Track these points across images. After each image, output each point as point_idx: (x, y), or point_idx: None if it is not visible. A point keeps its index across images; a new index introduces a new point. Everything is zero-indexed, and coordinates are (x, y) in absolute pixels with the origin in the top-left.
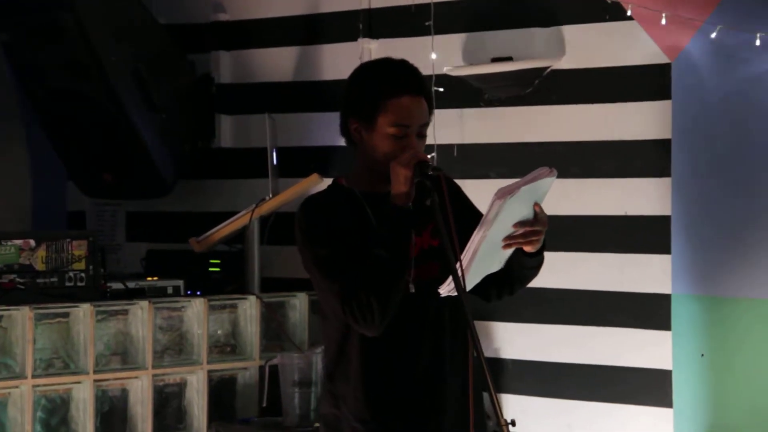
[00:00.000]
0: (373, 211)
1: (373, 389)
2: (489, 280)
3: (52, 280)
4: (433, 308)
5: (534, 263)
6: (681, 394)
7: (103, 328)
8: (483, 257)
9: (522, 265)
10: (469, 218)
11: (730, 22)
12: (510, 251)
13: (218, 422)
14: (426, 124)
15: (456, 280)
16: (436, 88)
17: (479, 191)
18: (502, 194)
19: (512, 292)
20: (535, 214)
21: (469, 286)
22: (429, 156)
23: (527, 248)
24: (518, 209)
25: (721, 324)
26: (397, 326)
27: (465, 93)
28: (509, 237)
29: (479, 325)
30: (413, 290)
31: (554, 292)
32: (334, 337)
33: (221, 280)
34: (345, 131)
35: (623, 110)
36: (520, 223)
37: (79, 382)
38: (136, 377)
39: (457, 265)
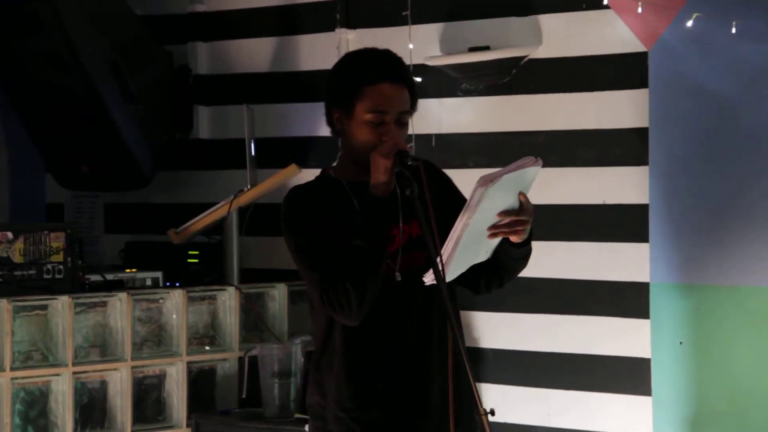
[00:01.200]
0: (360, 200)
1: (356, 379)
2: (477, 271)
3: (30, 272)
4: (419, 297)
5: (520, 254)
6: (659, 382)
7: (81, 320)
8: (467, 246)
9: (509, 256)
10: (455, 206)
11: (705, 10)
12: (496, 241)
13: (198, 414)
14: (406, 112)
15: (435, 269)
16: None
17: (458, 181)
18: (484, 182)
19: (501, 284)
20: (521, 203)
21: (452, 275)
22: (408, 146)
23: (513, 238)
24: (502, 198)
25: (699, 312)
26: (382, 315)
27: (443, 83)
28: (494, 226)
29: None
30: (400, 278)
31: (533, 282)
32: (321, 326)
33: (200, 271)
34: (330, 121)
35: (600, 99)
36: (505, 213)
37: (57, 375)
38: (115, 369)
39: (438, 255)
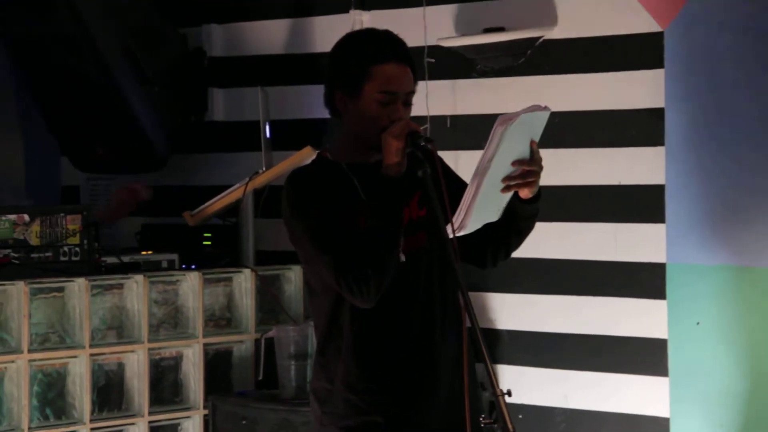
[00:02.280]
0: (360, 181)
1: (365, 361)
2: (483, 241)
3: (46, 254)
4: (423, 278)
5: (530, 211)
6: (676, 363)
7: (98, 303)
8: (485, 198)
9: (519, 215)
10: (456, 190)
11: None
12: (507, 198)
13: (215, 395)
14: (412, 93)
15: (450, 251)
16: (428, 60)
17: (473, 162)
18: (503, 121)
19: (508, 252)
20: (532, 152)
21: (471, 229)
22: (422, 127)
23: (524, 192)
24: (516, 145)
25: (716, 292)
26: (387, 297)
27: (457, 64)
28: (508, 178)
29: (474, 296)
30: (404, 260)
31: (549, 263)
32: (325, 311)
33: (216, 253)
34: (330, 102)
35: (616, 79)
36: (518, 162)
37: (75, 357)
38: (132, 351)
39: (450, 236)
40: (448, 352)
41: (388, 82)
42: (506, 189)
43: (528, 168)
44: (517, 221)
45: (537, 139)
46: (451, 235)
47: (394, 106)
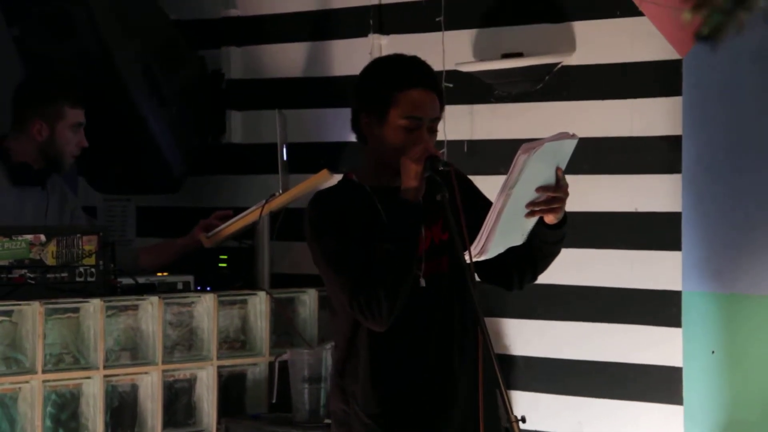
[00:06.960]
0: (383, 205)
1: (382, 385)
2: (510, 263)
3: (62, 275)
4: (442, 303)
5: (555, 237)
6: (691, 391)
7: (113, 324)
8: (507, 223)
9: (544, 240)
10: (482, 210)
11: None
12: (532, 222)
13: (228, 418)
14: (437, 119)
15: (467, 277)
16: (446, 84)
17: (489, 187)
18: (527, 149)
19: (535, 276)
20: (557, 179)
21: (493, 253)
22: (440, 151)
23: (549, 218)
24: (541, 171)
25: (732, 321)
26: (406, 321)
27: (475, 89)
28: (532, 203)
29: (489, 321)
30: (424, 284)
31: (564, 289)
32: (344, 332)
33: (231, 275)
34: (356, 126)
35: (633, 106)
36: (543, 188)
37: (89, 378)
38: (145, 373)
39: (467, 259)
40: (466, 378)
41: (413, 108)
42: (530, 214)
43: (553, 195)
44: (542, 246)
45: (563, 166)
46: (468, 260)
47: (419, 132)
